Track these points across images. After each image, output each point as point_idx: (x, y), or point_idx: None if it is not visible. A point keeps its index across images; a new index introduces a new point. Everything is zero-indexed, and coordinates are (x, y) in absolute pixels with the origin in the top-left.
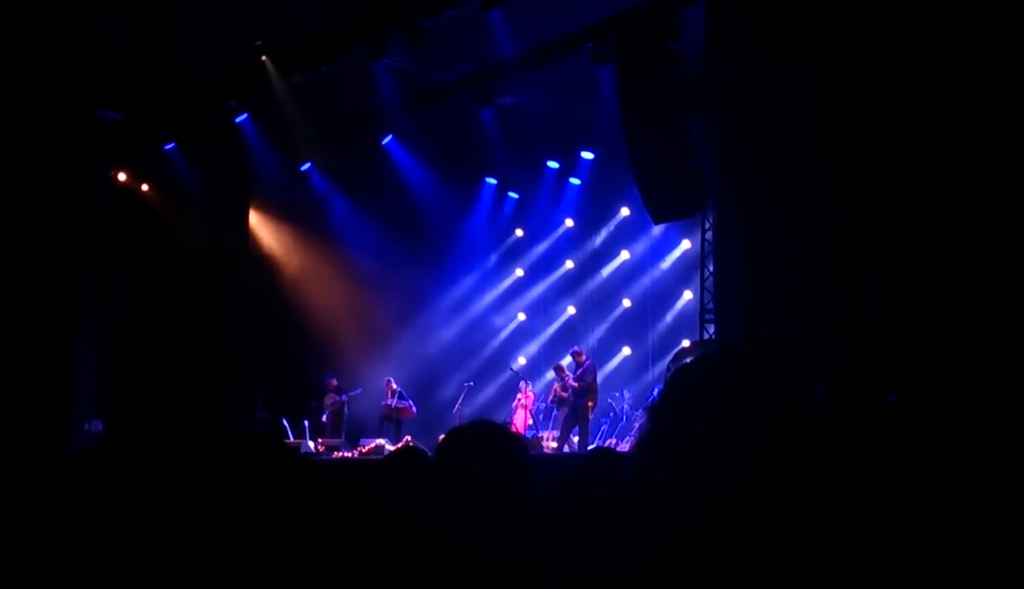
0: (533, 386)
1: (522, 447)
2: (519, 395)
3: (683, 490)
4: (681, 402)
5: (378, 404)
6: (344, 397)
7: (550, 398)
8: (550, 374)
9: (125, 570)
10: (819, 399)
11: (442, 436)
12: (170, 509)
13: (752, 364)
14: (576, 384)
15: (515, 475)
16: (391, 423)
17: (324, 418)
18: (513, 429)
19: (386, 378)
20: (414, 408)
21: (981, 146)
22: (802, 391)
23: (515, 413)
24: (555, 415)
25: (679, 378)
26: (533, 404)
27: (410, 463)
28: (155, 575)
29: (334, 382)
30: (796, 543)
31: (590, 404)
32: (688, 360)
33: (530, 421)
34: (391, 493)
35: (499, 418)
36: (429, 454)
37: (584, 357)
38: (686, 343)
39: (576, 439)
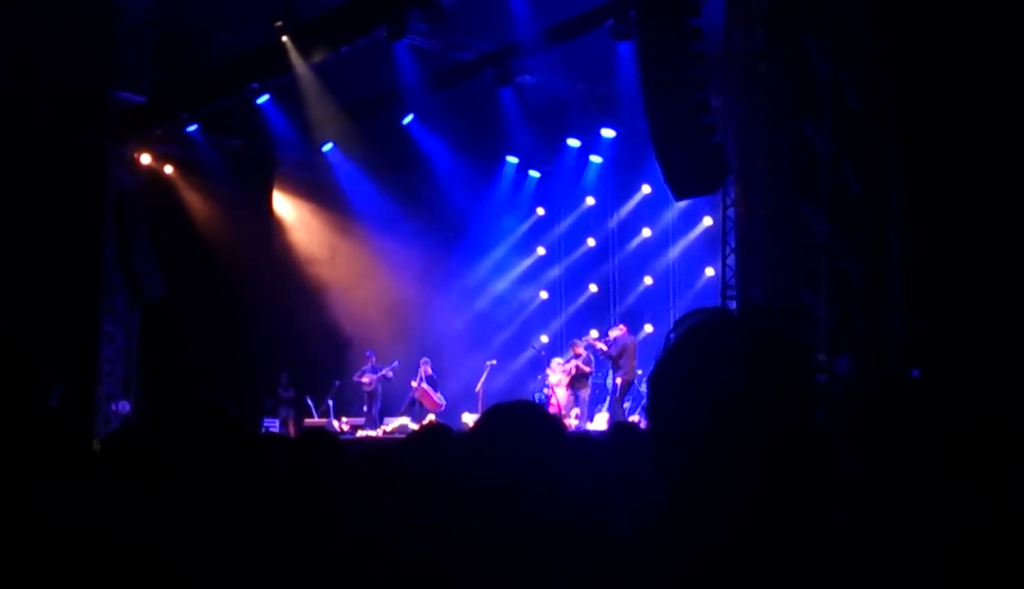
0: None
1: (559, 430)
2: (570, 365)
3: (693, 461)
4: (681, 369)
5: (406, 384)
6: (381, 372)
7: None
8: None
9: (150, 550)
10: (840, 373)
11: (465, 413)
12: (194, 487)
13: (753, 327)
14: (610, 352)
15: (547, 458)
16: (417, 404)
17: (367, 386)
18: (556, 409)
19: (423, 359)
20: (442, 401)
21: (1003, 120)
22: (806, 354)
23: (554, 393)
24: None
25: (679, 345)
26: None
27: (433, 441)
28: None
29: (372, 360)
30: (807, 517)
31: (618, 381)
32: (684, 328)
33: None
34: (410, 471)
35: (525, 394)
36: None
37: (622, 332)
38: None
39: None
